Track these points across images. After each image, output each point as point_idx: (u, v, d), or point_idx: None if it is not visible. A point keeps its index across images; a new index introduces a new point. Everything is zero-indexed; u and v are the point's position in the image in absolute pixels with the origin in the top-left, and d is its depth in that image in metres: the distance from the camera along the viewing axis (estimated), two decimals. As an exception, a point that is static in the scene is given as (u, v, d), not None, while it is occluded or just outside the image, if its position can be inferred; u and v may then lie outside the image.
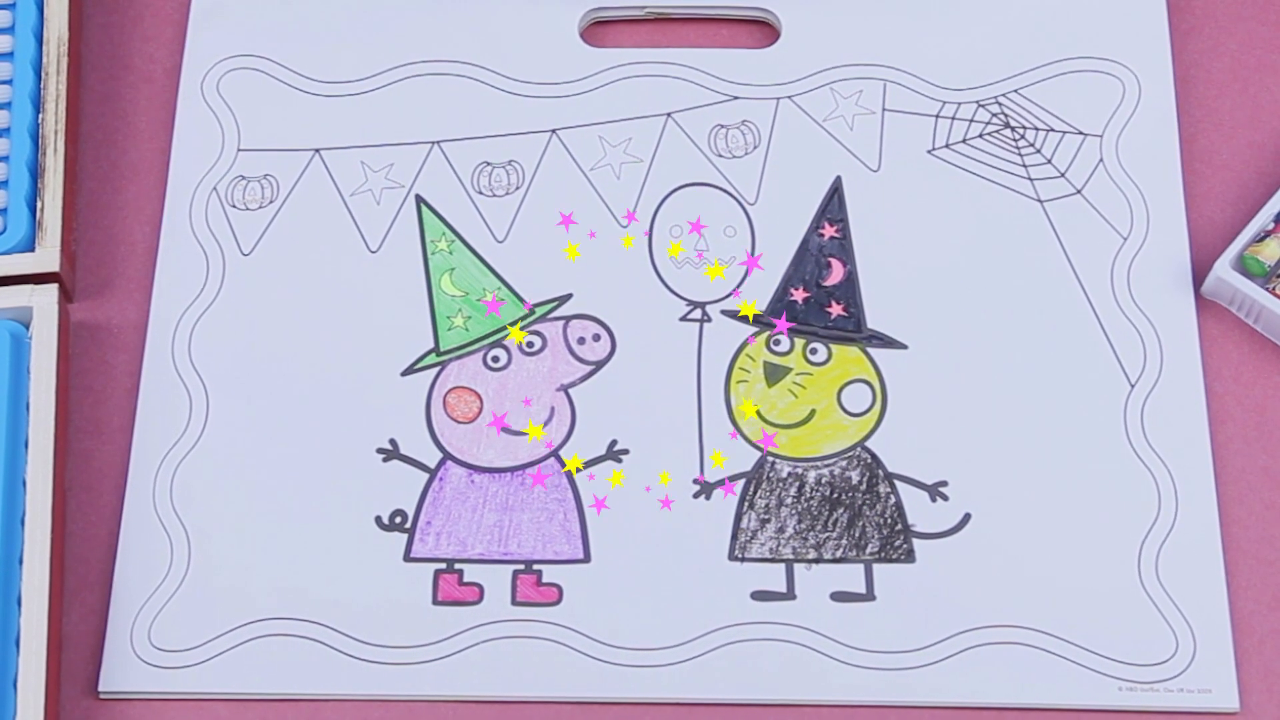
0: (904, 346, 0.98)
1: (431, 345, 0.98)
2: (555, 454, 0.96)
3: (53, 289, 0.97)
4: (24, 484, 0.93)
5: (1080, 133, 1.02)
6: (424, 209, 1.01)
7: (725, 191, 1.02)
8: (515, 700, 0.91)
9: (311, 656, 0.92)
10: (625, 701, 0.91)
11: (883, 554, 0.93)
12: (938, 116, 1.03)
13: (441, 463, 0.96)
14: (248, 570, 0.94)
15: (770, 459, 0.96)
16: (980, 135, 1.02)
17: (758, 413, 0.97)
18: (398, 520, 0.95)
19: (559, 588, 0.93)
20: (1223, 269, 0.97)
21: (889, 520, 0.94)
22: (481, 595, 0.93)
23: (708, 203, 1.01)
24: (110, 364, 0.98)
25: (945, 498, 0.94)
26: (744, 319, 0.98)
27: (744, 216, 1.01)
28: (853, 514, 0.94)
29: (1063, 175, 1.01)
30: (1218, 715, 0.91)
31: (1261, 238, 0.98)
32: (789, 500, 0.95)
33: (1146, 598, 0.92)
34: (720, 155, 1.02)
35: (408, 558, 0.94)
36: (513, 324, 0.99)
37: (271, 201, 1.02)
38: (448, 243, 1.01)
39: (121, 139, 1.04)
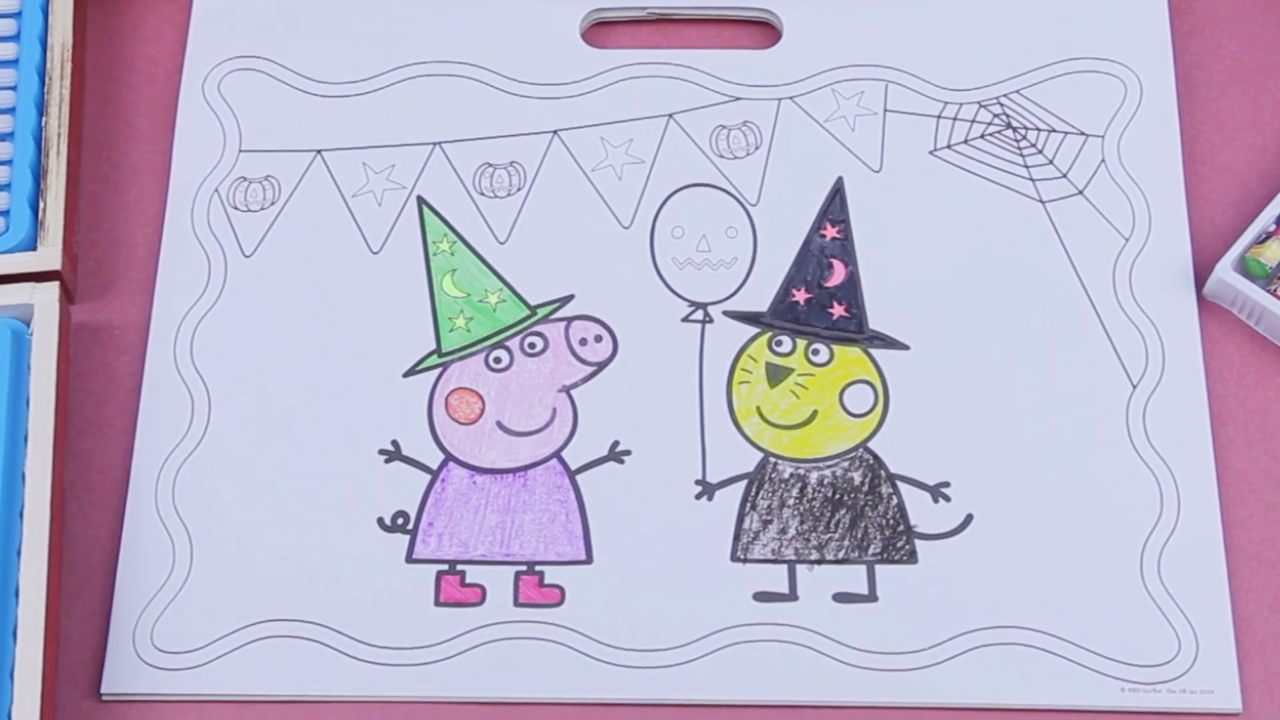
0: (906, 347, 0.98)
1: (433, 346, 0.98)
2: (558, 455, 0.96)
3: (54, 286, 0.97)
4: (23, 478, 0.93)
5: (1082, 133, 1.02)
6: (426, 210, 1.01)
7: (727, 192, 1.02)
8: (517, 701, 0.91)
9: (314, 658, 0.92)
10: (628, 703, 0.91)
11: (885, 555, 0.94)
12: (939, 117, 1.03)
13: (443, 464, 0.96)
14: (250, 572, 0.94)
15: (772, 460, 0.96)
16: (982, 136, 1.02)
17: (759, 413, 0.97)
18: (400, 521, 0.95)
19: (561, 589, 0.93)
20: (1224, 271, 0.97)
21: (891, 521, 0.94)
22: (484, 596, 0.93)
23: (709, 204, 1.01)
24: (112, 365, 0.98)
25: (947, 498, 0.95)
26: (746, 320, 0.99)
27: (746, 217, 1.01)
28: (855, 515, 0.94)
29: (1064, 176, 1.01)
30: (1220, 716, 0.91)
31: (1263, 239, 0.98)
32: (791, 501, 0.95)
33: (1149, 598, 0.92)
34: (722, 156, 1.02)
35: (410, 559, 0.94)
36: (515, 324, 0.99)
37: (273, 203, 1.02)
38: (449, 244, 1.01)
39: (123, 141, 1.04)
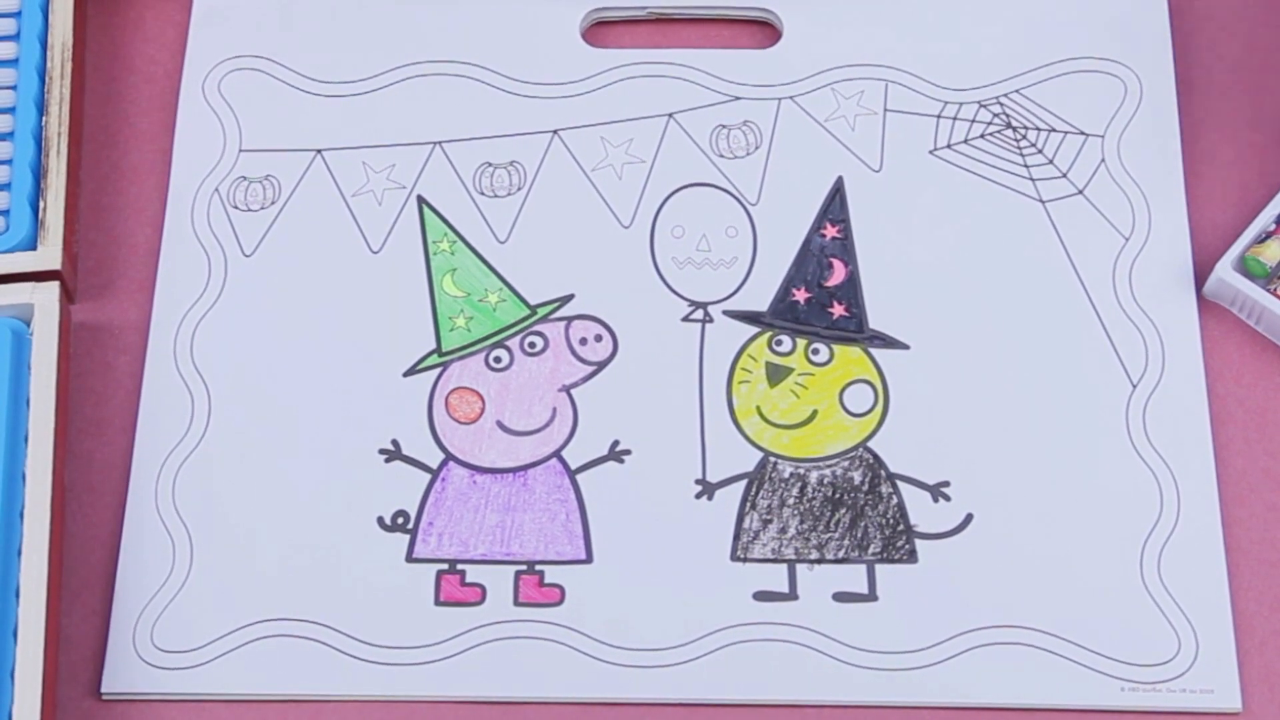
0: (906, 347, 0.98)
1: (433, 346, 0.98)
2: (558, 454, 0.96)
3: (54, 286, 0.97)
4: (23, 478, 0.93)
5: (1082, 133, 1.02)
6: (426, 210, 1.01)
7: (727, 192, 1.02)
8: (517, 701, 0.91)
9: (314, 657, 0.92)
10: (628, 702, 0.91)
11: (885, 554, 0.94)
12: (939, 117, 1.03)
13: (443, 463, 0.96)
14: (250, 571, 0.94)
15: (772, 459, 0.96)
16: (982, 135, 1.02)
17: (759, 413, 0.97)
18: (400, 521, 0.95)
19: (561, 588, 0.93)
20: (1224, 270, 0.97)
21: (891, 520, 0.94)
22: (484, 596, 0.93)
23: (709, 203, 1.02)
24: (112, 365, 0.98)
25: (947, 498, 0.95)
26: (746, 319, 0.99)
27: (746, 217, 1.01)
28: (855, 514, 0.95)
29: (1064, 175, 1.01)
30: (1220, 715, 0.91)
31: (1263, 239, 0.98)
32: (791, 501, 0.95)
33: (1149, 598, 0.92)
34: (722, 156, 1.02)
35: (410, 558, 0.94)
36: (515, 324, 0.99)
37: (273, 202, 1.02)
38: (449, 243, 1.01)
39: (123, 140, 1.04)
